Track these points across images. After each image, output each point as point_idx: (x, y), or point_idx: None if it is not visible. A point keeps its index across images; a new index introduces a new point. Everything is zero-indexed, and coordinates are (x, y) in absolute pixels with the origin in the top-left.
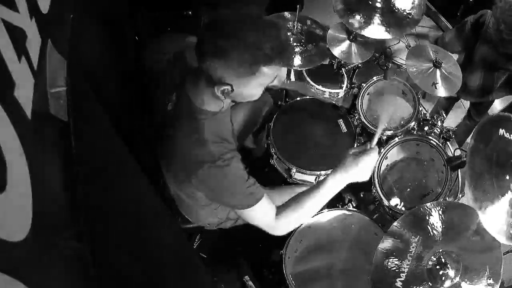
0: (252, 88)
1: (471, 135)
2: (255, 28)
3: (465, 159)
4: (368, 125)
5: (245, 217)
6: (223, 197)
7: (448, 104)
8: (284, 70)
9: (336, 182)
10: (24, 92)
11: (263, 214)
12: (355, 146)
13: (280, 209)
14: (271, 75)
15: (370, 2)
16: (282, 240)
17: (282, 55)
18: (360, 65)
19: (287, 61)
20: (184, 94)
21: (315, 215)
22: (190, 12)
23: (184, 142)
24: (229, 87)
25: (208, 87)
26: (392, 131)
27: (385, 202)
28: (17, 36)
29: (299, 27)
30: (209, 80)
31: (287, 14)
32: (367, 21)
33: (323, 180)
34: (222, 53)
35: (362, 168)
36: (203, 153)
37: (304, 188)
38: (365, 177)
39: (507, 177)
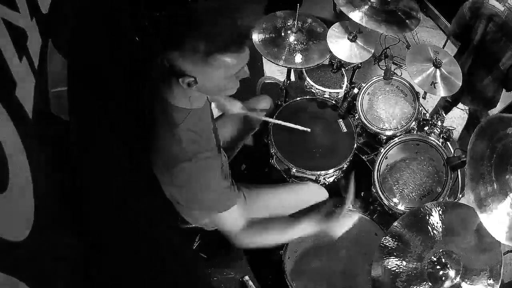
0: (216, 80)
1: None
2: (209, 17)
3: (465, 159)
4: (368, 125)
5: (212, 219)
6: (194, 198)
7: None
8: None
9: (309, 226)
10: (25, 92)
11: (230, 222)
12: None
13: (251, 226)
14: (232, 66)
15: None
16: None
17: (238, 43)
18: (360, 65)
19: (245, 50)
20: (159, 94)
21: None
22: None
23: (161, 141)
24: (192, 79)
25: (176, 82)
26: (392, 131)
27: (385, 202)
28: (18, 36)
29: (299, 25)
30: (174, 74)
31: (280, 13)
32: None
33: (299, 218)
34: (179, 44)
35: (335, 226)
36: (178, 151)
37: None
38: (334, 232)
39: (508, 177)
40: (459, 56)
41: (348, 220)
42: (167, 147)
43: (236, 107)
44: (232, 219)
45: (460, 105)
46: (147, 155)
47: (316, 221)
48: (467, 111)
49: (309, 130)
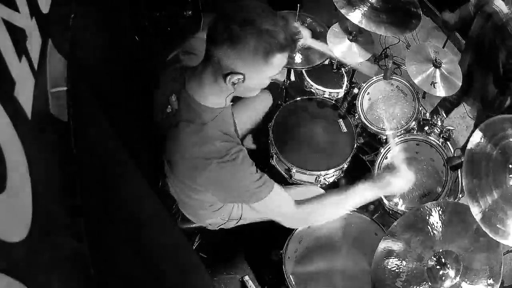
0: (262, 79)
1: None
2: (269, 17)
3: None
4: (368, 125)
5: (260, 210)
6: (234, 192)
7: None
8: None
9: (365, 189)
10: (25, 92)
11: (278, 203)
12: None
13: (304, 200)
14: (280, 65)
15: None
16: (282, 240)
17: (293, 44)
18: (360, 65)
19: (295, 51)
20: (186, 93)
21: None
22: (190, 12)
23: (188, 142)
24: (241, 76)
25: (215, 81)
26: (392, 131)
27: (385, 202)
28: (17, 36)
29: (299, 25)
30: (218, 71)
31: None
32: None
33: (354, 184)
34: (238, 40)
35: (394, 184)
36: (209, 150)
37: (304, 188)
38: (393, 192)
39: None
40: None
41: (401, 181)
42: (196, 147)
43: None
44: (282, 198)
45: (461, 107)
46: (165, 157)
47: (371, 181)
48: (468, 113)
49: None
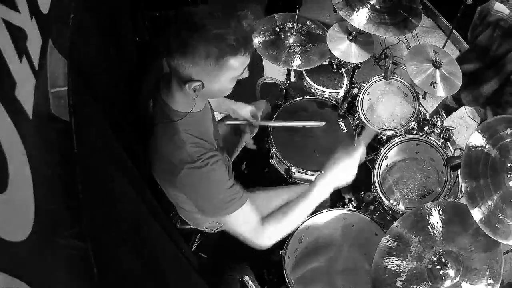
0: (223, 83)
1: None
2: (217, 20)
3: None
4: (368, 125)
5: (226, 223)
6: (205, 201)
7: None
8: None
9: (320, 188)
10: (25, 92)
11: (245, 220)
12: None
13: (267, 217)
14: (239, 67)
15: None
16: (282, 240)
17: (247, 45)
18: (360, 65)
19: (251, 50)
20: (160, 98)
21: (313, 215)
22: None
23: (164, 145)
24: (199, 83)
25: (179, 87)
26: (392, 131)
27: (385, 202)
28: (17, 36)
29: (298, 27)
30: (180, 79)
31: (279, 15)
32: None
33: (309, 188)
34: (187, 48)
35: (343, 169)
36: (182, 154)
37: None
38: (347, 179)
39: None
40: (466, 55)
41: (348, 161)
42: (170, 151)
43: (244, 111)
44: (251, 214)
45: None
46: (147, 159)
47: (322, 179)
48: (468, 113)
49: (323, 123)
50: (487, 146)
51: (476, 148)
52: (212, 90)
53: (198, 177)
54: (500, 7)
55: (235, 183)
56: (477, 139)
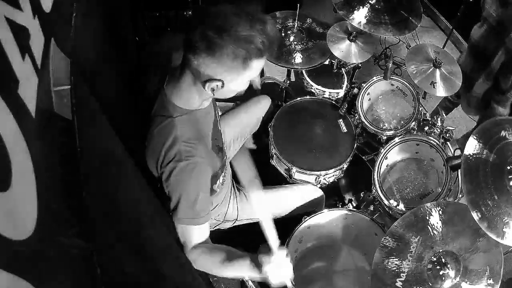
0: (240, 83)
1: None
2: (246, 22)
3: None
4: (368, 125)
5: (177, 226)
6: (173, 196)
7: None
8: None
9: (249, 269)
10: (28, 90)
11: (183, 236)
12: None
13: (204, 247)
14: (258, 69)
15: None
16: (282, 240)
17: (271, 48)
18: (360, 65)
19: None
20: (163, 91)
21: (314, 215)
22: (190, 12)
23: (157, 139)
24: (220, 83)
25: (194, 85)
26: (392, 131)
27: (385, 202)
28: (20, 35)
29: (299, 25)
30: (198, 77)
31: (280, 13)
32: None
33: (246, 259)
34: (215, 48)
35: (276, 275)
36: (172, 150)
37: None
38: (273, 282)
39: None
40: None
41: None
42: (162, 144)
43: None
44: (185, 234)
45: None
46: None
47: (252, 268)
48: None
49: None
50: (485, 152)
51: (474, 156)
52: (228, 90)
53: (178, 175)
54: (489, 2)
55: (208, 200)
56: (474, 146)
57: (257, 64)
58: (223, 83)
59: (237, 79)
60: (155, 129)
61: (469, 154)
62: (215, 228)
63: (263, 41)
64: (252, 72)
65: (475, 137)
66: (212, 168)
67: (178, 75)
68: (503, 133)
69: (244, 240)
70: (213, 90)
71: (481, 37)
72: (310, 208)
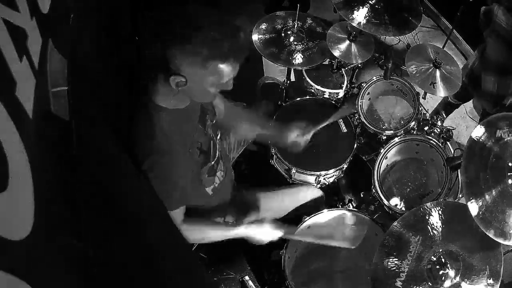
0: (204, 85)
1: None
2: (217, 25)
3: None
4: (368, 125)
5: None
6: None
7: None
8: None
9: (239, 232)
10: (25, 91)
11: (174, 220)
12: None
13: (188, 222)
14: (224, 75)
15: None
16: (282, 240)
17: (237, 55)
18: (360, 65)
19: (240, 63)
20: (145, 89)
21: (314, 215)
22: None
23: (138, 134)
24: (183, 79)
25: (165, 81)
26: (392, 131)
27: (385, 202)
28: (18, 36)
29: (299, 25)
30: (166, 71)
31: (280, 13)
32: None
33: (233, 225)
34: (182, 40)
35: (263, 232)
36: (152, 145)
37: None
38: (261, 239)
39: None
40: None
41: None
42: (142, 140)
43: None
44: (175, 218)
45: (461, 107)
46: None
47: (247, 226)
48: (468, 113)
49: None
50: (490, 142)
51: (479, 140)
52: (194, 90)
53: (159, 170)
54: (500, 15)
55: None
56: (481, 132)
57: (220, 69)
58: (186, 80)
59: (197, 79)
60: (137, 125)
61: (476, 137)
62: None
63: (230, 48)
64: (217, 76)
65: (483, 126)
66: (186, 167)
67: (155, 71)
68: (498, 133)
69: (243, 238)
70: (177, 85)
71: (496, 52)
72: (310, 208)
